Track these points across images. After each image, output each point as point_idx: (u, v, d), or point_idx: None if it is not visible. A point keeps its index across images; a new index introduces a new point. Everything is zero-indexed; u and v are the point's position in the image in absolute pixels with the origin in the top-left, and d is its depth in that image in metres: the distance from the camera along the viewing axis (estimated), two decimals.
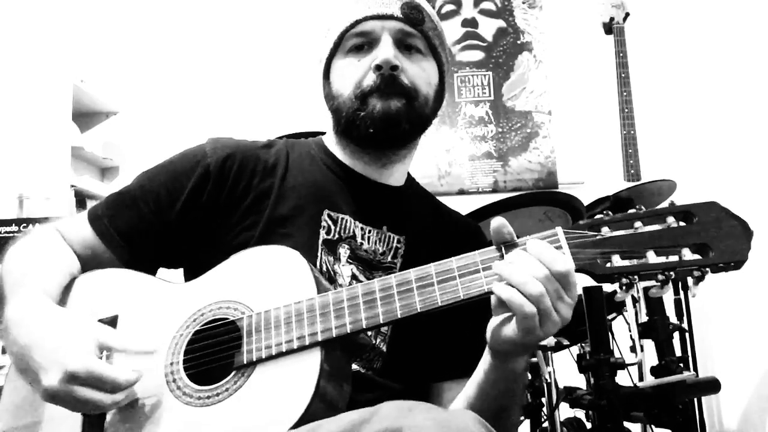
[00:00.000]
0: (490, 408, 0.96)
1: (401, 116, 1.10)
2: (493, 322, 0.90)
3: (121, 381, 0.88)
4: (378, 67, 1.09)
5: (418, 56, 1.15)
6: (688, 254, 0.83)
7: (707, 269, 0.82)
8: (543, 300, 0.82)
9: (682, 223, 0.85)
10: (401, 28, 1.13)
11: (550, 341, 1.91)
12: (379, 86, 1.09)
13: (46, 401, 0.89)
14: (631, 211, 0.87)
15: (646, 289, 1.87)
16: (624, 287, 0.85)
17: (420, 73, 1.14)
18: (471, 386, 1.01)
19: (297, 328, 0.90)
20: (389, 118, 1.09)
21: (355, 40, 1.14)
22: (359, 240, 1.14)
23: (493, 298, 0.88)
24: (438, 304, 0.88)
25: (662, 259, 0.84)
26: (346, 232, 1.14)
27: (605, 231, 0.86)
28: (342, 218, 1.14)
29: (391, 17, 1.12)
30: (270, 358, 0.90)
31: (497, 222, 0.88)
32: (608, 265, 0.85)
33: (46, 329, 0.92)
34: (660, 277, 0.83)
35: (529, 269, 0.83)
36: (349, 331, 0.89)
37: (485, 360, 0.97)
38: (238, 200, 1.13)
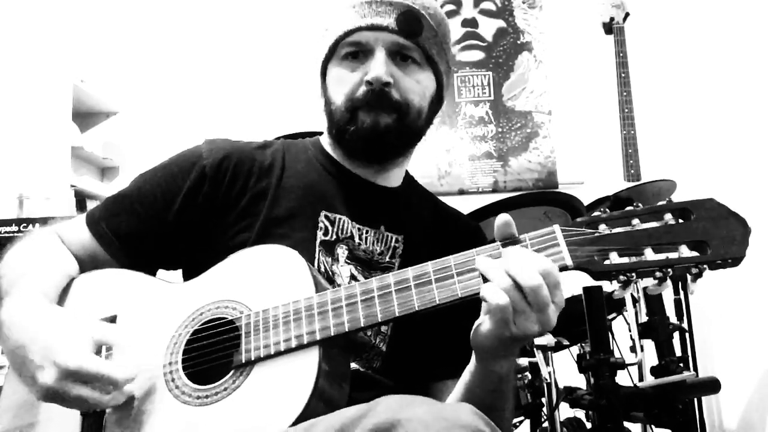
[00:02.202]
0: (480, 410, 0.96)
1: (390, 133, 1.10)
2: (476, 322, 0.90)
3: (118, 378, 0.88)
4: (369, 83, 1.08)
5: (414, 67, 1.13)
6: (685, 251, 0.83)
7: (705, 266, 0.82)
8: (514, 294, 0.82)
9: (679, 220, 0.85)
10: (396, 41, 1.10)
11: (550, 341, 1.91)
12: (369, 101, 1.09)
13: (42, 401, 0.88)
14: (628, 208, 0.87)
15: (646, 289, 1.87)
16: (622, 284, 0.85)
17: (414, 86, 1.12)
18: (458, 389, 1.01)
19: (295, 327, 0.90)
20: (378, 135, 1.09)
21: (349, 49, 1.12)
22: (357, 240, 1.14)
23: (482, 303, 0.88)
24: (436, 303, 0.88)
25: (660, 256, 0.83)
26: (344, 232, 1.13)
27: (603, 228, 0.86)
28: (339, 219, 1.14)
29: (385, 29, 1.09)
30: (268, 357, 0.90)
31: (502, 218, 0.88)
32: (606, 262, 0.85)
33: (41, 327, 0.92)
34: (658, 274, 0.83)
35: (511, 265, 0.83)
36: (347, 330, 0.89)
37: (471, 363, 0.97)
38: (235, 201, 1.13)
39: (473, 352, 0.95)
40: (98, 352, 0.93)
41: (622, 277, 0.84)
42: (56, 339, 0.89)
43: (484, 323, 0.87)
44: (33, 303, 0.97)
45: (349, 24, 1.11)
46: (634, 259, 0.84)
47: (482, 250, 0.89)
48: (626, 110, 2.50)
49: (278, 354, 0.90)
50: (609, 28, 2.64)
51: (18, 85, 2.83)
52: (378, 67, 1.08)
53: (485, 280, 0.86)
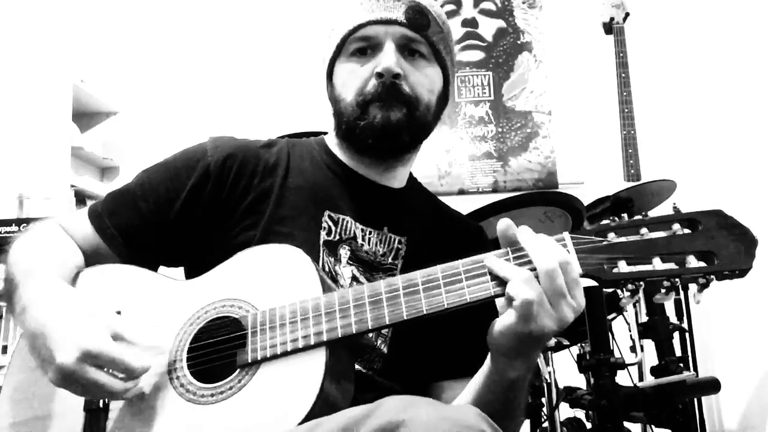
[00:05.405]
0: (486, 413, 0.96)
1: (402, 127, 1.10)
2: (494, 321, 0.90)
3: (135, 366, 0.88)
4: (379, 75, 1.08)
5: (422, 62, 1.13)
6: (693, 261, 0.84)
7: (712, 276, 0.83)
8: (534, 286, 0.83)
9: (687, 231, 0.86)
10: (405, 34, 1.11)
11: (550, 341, 1.91)
12: (381, 95, 1.09)
13: (56, 383, 0.87)
14: (637, 217, 0.87)
15: (646, 290, 1.88)
16: (630, 293, 0.85)
17: (422, 80, 1.13)
18: (468, 391, 1.01)
19: (302, 328, 0.90)
20: (390, 130, 1.09)
21: (358, 44, 1.13)
22: (360, 241, 1.14)
23: (500, 299, 0.88)
24: (444, 307, 0.88)
25: (668, 266, 0.84)
26: (347, 233, 1.13)
27: (612, 237, 0.86)
28: (343, 219, 1.14)
29: (394, 22, 1.10)
30: (275, 357, 0.90)
31: (503, 224, 0.88)
32: (615, 270, 0.85)
33: (64, 309, 0.91)
34: (665, 283, 0.84)
35: (535, 256, 0.84)
36: (354, 332, 0.89)
37: (484, 366, 0.97)
38: (238, 200, 1.13)
39: (489, 357, 0.94)
40: None
41: (630, 286, 0.85)
42: (78, 321, 0.89)
43: (502, 319, 0.87)
44: (55, 285, 0.97)
45: (358, 19, 1.12)
46: (642, 268, 0.85)
47: (492, 255, 0.89)
48: (626, 110, 2.50)
49: (285, 354, 0.90)
50: (609, 28, 2.65)
51: (18, 85, 2.83)
52: (388, 58, 1.09)
53: (494, 278, 0.86)
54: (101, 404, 0.94)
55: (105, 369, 0.87)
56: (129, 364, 0.87)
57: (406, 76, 1.10)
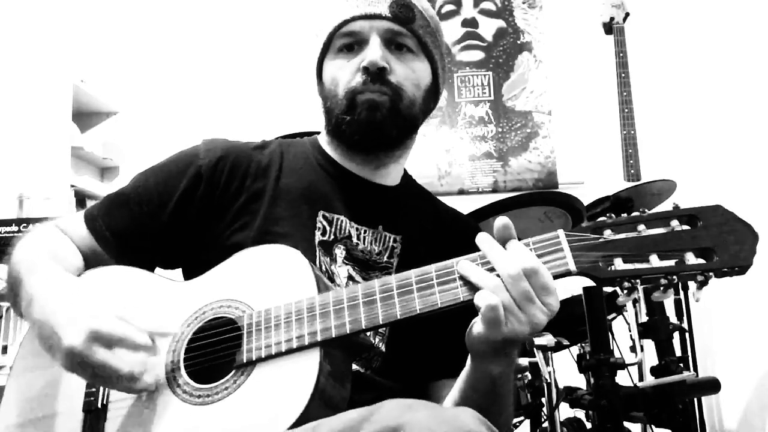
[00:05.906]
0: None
1: (386, 124, 1.10)
2: (471, 323, 0.90)
3: (143, 342, 0.90)
4: (365, 69, 1.09)
5: (409, 56, 1.14)
6: (691, 258, 0.82)
7: (711, 274, 0.81)
8: (501, 293, 0.83)
9: (686, 227, 0.84)
10: (389, 28, 1.12)
11: (550, 341, 1.91)
12: (367, 84, 1.09)
13: (66, 368, 0.88)
14: (634, 213, 0.86)
15: (646, 290, 1.87)
16: (626, 291, 0.84)
17: (409, 74, 1.13)
18: (455, 390, 1.01)
19: (297, 328, 0.90)
20: (375, 125, 1.10)
21: (344, 40, 1.14)
22: (355, 240, 1.14)
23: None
24: (438, 306, 0.88)
25: (666, 263, 0.82)
26: (342, 232, 1.14)
27: (608, 234, 0.85)
28: (337, 219, 1.14)
29: (378, 17, 1.11)
30: (270, 357, 0.90)
31: (501, 221, 0.88)
32: (611, 268, 0.84)
33: (71, 295, 0.94)
34: (663, 281, 0.82)
35: (497, 263, 0.85)
36: (348, 332, 0.89)
37: (467, 366, 0.97)
38: (231, 201, 1.14)
39: (470, 355, 0.95)
40: None
41: (626, 284, 0.83)
42: (86, 306, 0.91)
43: (476, 325, 0.87)
44: (58, 276, 0.99)
45: (343, 15, 1.13)
46: (639, 265, 0.83)
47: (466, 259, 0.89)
48: (626, 110, 2.50)
49: (279, 354, 0.90)
50: (609, 28, 2.64)
51: (18, 85, 2.83)
52: (373, 52, 1.10)
53: (466, 282, 0.87)
54: (100, 405, 0.95)
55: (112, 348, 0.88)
56: (138, 340, 0.89)
57: (392, 70, 1.11)
